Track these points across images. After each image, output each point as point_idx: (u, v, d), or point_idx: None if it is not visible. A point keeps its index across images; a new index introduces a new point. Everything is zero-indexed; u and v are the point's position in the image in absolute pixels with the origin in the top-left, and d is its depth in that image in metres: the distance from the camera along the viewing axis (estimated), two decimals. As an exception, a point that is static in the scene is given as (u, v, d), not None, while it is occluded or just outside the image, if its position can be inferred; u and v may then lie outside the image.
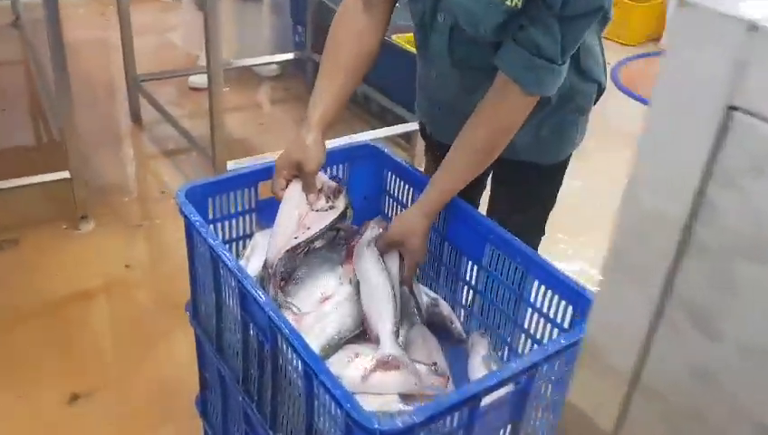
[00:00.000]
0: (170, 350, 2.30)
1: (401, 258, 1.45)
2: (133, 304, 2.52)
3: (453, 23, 1.41)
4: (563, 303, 1.34)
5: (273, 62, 3.97)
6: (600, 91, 1.63)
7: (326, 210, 1.47)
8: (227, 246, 1.62)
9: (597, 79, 1.58)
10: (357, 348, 1.38)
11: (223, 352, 1.47)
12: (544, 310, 1.38)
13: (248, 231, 1.64)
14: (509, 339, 1.49)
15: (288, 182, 1.47)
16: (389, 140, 3.31)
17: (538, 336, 1.41)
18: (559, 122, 1.60)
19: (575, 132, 1.67)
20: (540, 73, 1.32)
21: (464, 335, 1.56)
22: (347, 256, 1.50)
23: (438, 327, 1.57)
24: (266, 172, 1.58)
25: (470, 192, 1.85)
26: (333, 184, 1.51)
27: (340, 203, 1.50)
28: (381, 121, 3.50)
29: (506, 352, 1.50)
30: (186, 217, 1.41)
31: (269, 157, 2.99)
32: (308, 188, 1.45)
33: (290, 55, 3.98)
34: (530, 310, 1.42)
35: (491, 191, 1.84)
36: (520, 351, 1.46)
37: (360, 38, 1.47)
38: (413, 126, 3.28)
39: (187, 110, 3.76)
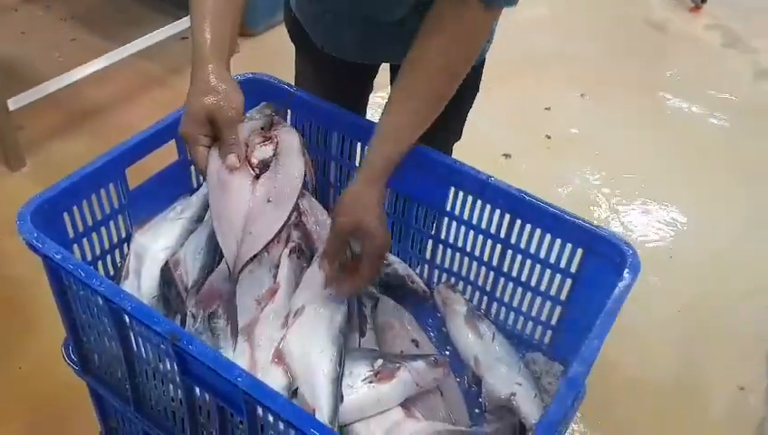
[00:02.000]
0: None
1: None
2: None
3: None
4: (569, 245, 1.10)
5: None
6: None
7: (270, 157, 1.04)
8: (98, 262, 1.17)
9: None
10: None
11: (144, 411, 1.08)
12: (541, 255, 1.14)
13: (122, 234, 1.19)
14: (487, 288, 1.25)
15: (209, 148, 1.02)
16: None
17: (532, 283, 1.18)
18: None
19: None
20: None
21: (428, 292, 1.29)
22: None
23: (395, 289, 1.29)
24: (134, 151, 1.12)
25: (355, 100, 1.52)
26: (264, 117, 1.11)
27: (289, 142, 1.08)
28: (170, 15, 2.84)
29: (484, 302, 1.27)
30: (45, 256, 0.95)
31: (61, 80, 2.37)
32: (235, 145, 1.00)
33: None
34: (520, 257, 1.17)
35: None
36: (507, 299, 1.23)
37: None
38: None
39: None
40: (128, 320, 0.95)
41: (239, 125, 1.01)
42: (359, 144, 1.24)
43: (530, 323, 1.23)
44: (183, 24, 2.62)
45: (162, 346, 0.92)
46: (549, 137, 2.73)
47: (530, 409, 1.11)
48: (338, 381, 0.98)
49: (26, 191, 1.05)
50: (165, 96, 2.66)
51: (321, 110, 1.25)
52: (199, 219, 1.23)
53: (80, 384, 1.18)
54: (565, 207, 1.09)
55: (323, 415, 0.93)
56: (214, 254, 1.13)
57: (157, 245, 1.17)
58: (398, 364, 1.06)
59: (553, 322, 1.20)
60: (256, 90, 1.26)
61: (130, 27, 2.79)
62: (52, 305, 1.05)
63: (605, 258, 1.06)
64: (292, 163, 1.05)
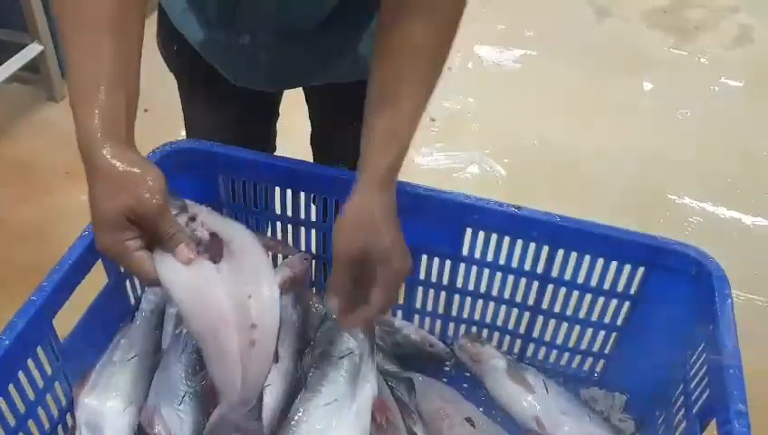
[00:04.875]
0: None
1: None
2: None
3: None
4: (627, 266, 0.93)
5: None
6: None
7: (208, 238, 0.74)
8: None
9: None
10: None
11: None
12: (592, 283, 0.97)
13: (61, 403, 0.86)
14: (520, 330, 1.06)
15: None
16: (12, 79, 2.29)
17: (581, 315, 1.01)
18: None
19: None
20: None
21: (450, 352, 1.08)
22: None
23: (410, 358, 1.06)
24: (58, 293, 0.80)
25: (264, 131, 1.29)
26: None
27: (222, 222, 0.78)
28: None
29: (517, 346, 1.07)
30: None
31: None
32: (178, 234, 0.70)
33: None
34: (564, 289, 0.99)
35: (331, 130, 1.26)
36: (548, 338, 1.05)
37: None
38: (34, 49, 2.29)
39: None
40: None
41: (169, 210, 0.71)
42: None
43: (577, 357, 1.06)
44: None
45: None
46: (434, 120, 2.57)
47: (621, 462, 0.95)
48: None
49: None
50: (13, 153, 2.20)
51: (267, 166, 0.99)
52: (156, 349, 0.93)
53: None
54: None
55: None
56: (200, 395, 0.85)
57: (113, 404, 0.86)
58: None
59: (607, 350, 1.03)
60: (181, 163, 0.98)
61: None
62: None
63: (674, 272, 0.91)
64: (244, 241, 0.75)
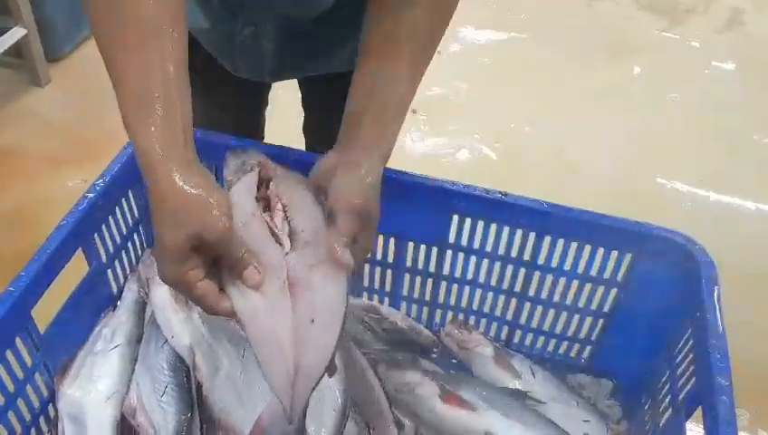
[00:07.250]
0: None
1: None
2: None
3: None
4: (614, 253, 0.93)
5: None
6: None
7: None
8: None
9: None
10: None
11: None
12: (579, 270, 0.96)
13: (43, 394, 0.85)
14: (508, 317, 1.05)
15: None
16: (-5, 64, 2.26)
17: (567, 302, 1.00)
18: None
19: None
20: None
21: (436, 340, 1.07)
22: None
23: (397, 345, 1.06)
24: (37, 283, 0.79)
25: (254, 119, 1.29)
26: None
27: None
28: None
29: (504, 332, 1.07)
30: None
31: None
32: (246, 257, 0.68)
33: None
34: (550, 276, 0.98)
35: (323, 117, 1.23)
36: (535, 325, 1.04)
37: None
38: (18, 33, 2.26)
39: None
40: None
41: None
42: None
43: (564, 343, 1.06)
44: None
45: None
46: (414, 111, 2.53)
47: (609, 448, 0.94)
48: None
49: None
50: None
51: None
52: (139, 339, 0.92)
53: None
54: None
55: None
56: (186, 385, 0.84)
57: (95, 394, 0.86)
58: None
59: (594, 337, 1.03)
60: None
61: None
62: None
63: (661, 259, 0.90)
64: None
